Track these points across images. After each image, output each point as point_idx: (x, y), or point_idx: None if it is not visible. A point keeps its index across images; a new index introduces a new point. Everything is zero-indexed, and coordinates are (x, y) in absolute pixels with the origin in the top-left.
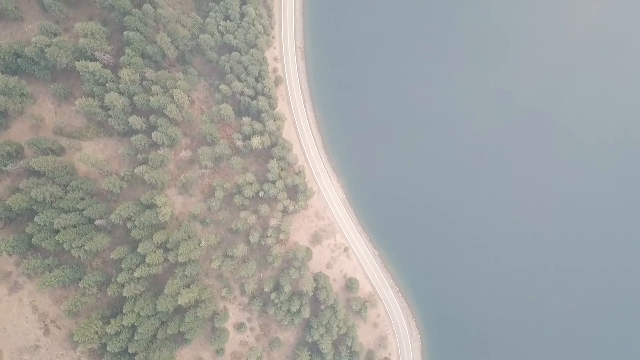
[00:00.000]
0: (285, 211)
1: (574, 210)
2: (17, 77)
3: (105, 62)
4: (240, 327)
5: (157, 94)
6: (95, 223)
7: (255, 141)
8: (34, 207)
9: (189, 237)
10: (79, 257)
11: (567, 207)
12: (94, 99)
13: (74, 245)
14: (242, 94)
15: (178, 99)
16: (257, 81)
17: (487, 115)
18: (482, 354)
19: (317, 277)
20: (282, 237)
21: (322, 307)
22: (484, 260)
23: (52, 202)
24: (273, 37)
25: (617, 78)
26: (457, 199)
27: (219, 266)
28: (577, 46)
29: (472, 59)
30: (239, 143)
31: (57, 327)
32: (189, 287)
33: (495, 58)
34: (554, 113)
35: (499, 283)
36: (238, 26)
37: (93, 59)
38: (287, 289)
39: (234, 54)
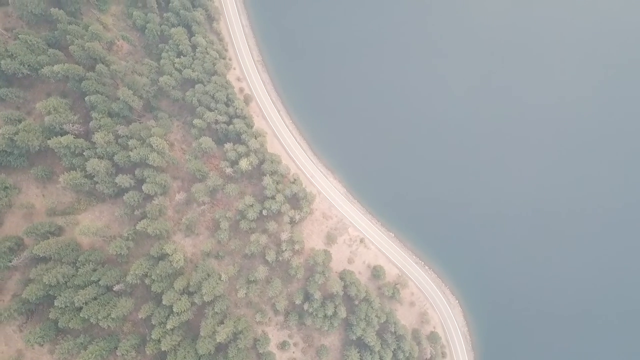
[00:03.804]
0: (292, 222)
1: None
2: None
3: (76, 132)
4: (283, 345)
5: (135, 147)
6: (114, 289)
7: (243, 163)
8: (50, 292)
9: (208, 275)
10: (108, 326)
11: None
12: (76, 170)
13: (100, 317)
14: (216, 122)
15: (157, 146)
16: (227, 105)
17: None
18: (521, 303)
19: (342, 275)
20: (297, 247)
21: (356, 302)
22: (495, 211)
23: (66, 282)
24: (230, 59)
25: (618, 76)
26: (452, 160)
27: (245, 293)
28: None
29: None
30: (228, 170)
31: None
32: (223, 323)
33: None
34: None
35: (516, 229)
36: (193, 58)
37: (63, 132)
38: (317, 295)
39: (197, 86)
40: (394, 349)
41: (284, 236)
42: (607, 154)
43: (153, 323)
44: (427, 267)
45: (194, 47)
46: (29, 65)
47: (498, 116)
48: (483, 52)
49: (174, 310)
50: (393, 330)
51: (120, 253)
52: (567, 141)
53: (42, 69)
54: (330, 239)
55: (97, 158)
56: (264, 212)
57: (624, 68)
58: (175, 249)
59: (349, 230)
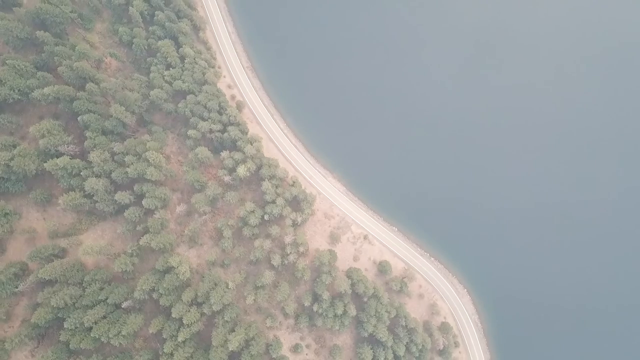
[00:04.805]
0: (295, 224)
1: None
2: None
3: (72, 153)
4: (296, 348)
5: (132, 163)
6: (123, 306)
7: (241, 170)
8: (59, 314)
9: (215, 284)
10: (120, 344)
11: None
12: (75, 191)
13: (110, 335)
14: (210, 131)
15: (153, 160)
16: (220, 114)
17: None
18: (529, 287)
19: (349, 274)
20: (301, 249)
21: (365, 300)
22: (495, 199)
23: (74, 303)
24: (219, 67)
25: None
26: (450, 151)
27: (254, 300)
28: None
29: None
30: (227, 178)
31: None
32: (234, 331)
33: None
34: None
35: (518, 215)
36: (182, 70)
37: (58, 154)
38: (326, 295)
39: (188, 97)
40: (407, 342)
41: (288, 239)
42: (612, 141)
43: (164, 337)
44: (432, 259)
45: (182, 58)
46: (19, 90)
47: (497, 106)
48: (475, 45)
49: (184, 322)
50: (404, 324)
51: (126, 270)
52: (570, 129)
53: (33, 93)
54: (334, 238)
55: (95, 177)
56: (266, 217)
57: (620, 56)
58: (180, 261)
59: (352, 228)
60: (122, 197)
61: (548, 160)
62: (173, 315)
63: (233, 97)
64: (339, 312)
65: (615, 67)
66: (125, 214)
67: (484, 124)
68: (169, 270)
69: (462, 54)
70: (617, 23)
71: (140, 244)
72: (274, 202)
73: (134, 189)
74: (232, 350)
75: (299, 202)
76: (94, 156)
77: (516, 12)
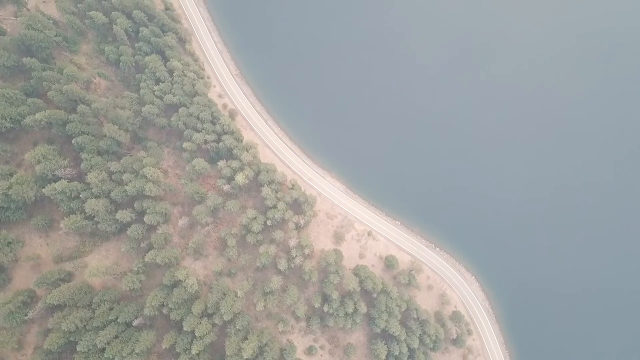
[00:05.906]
0: (298, 227)
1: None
2: None
3: (69, 176)
4: (310, 350)
5: (130, 181)
6: (134, 324)
7: (239, 178)
8: (70, 338)
9: (224, 294)
10: None
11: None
12: (75, 213)
13: (124, 354)
14: (205, 142)
15: (151, 176)
16: (214, 124)
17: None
18: (536, 268)
19: (356, 271)
20: (306, 251)
21: (374, 296)
22: (495, 185)
23: (84, 325)
24: (208, 77)
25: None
26: (446, 142)
27: (264, 306)
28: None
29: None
30: (226, 187)
31: None
32: (247, 339)
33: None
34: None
35: (519, 200)
36: (171, 83)
37: (56, 178)
38: (335, 295)
39: (180, 110)
40: (420, 334)
41: (292, 242)
42: (611, 131)
43: (178, 351)
44: (438, 249)
45: (170, 71)
46: (10, 118)
47: (491, 98)
48: (468, 39)
49: (196, 334)
50: (415, 316)
51: (134, 287)
52: (569, 119)
53: (25, 120)
54: (338, 237)
55: (94, 198)
56: (268, 223)
57: (616, 51)
58: (187, 274)
59: (355, 226)
60: (124, 215)
61: (550, 148)
62: (185, 329)
63: (225, 106)
64: (350, 310)
65: (610, 61)
66: (128, 232)
67: (479, 115)
68: (176, 284)
69: (455, 47)
70: (610, 18)
71: (146, 260)
72: (275, 206)
73: (135, 206)
74: (247, 358)
75: (300, 205)
76: (91, 177)
77: (508, 7)
